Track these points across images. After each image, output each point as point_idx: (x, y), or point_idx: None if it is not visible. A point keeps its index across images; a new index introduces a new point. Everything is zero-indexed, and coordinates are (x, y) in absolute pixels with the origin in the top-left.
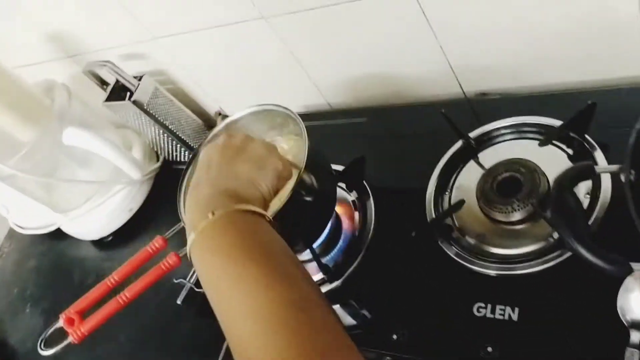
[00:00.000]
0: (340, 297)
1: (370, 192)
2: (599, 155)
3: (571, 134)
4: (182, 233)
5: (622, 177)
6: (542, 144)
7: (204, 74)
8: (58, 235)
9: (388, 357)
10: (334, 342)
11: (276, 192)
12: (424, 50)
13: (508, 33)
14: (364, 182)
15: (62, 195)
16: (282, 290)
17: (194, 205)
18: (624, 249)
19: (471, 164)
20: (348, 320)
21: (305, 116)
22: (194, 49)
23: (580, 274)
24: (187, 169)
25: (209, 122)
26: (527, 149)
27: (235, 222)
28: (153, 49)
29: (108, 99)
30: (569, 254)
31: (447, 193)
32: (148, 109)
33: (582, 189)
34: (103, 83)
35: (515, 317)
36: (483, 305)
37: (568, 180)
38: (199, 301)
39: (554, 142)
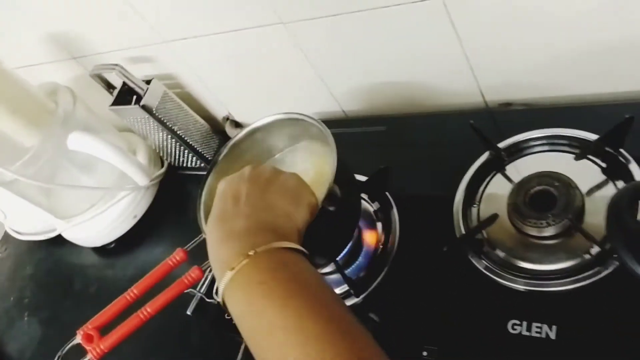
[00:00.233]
0: (366, 311)
1: (393, 202)
2: (634, 168)
3: (607, 148)
4: (202, 245)
5: None
6: (578, 157)
7: (215, 79)
8: (56, 241)
9: None
10: None
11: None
12: (449, 59)
13: (539, 45)
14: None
15: (64, 201)
16: (346, 346)
17: (226, 240)
18: None
19: (500, 175)
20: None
21: None
22: (205, 53)
23: (621, 292)
24: (207, 176)
25: (216, 127)
26: (557, 162)
27: (280, 262)
28: (162, 52)
29: (114, 103)
30: (607, 271)
31: (475, 205)
32: (157, 114)
33: None
34: (109, 86)
35: (553, 335)
36: (518, 322)
37: (626, 199)
38: (209, 312)
39: (589, 155)
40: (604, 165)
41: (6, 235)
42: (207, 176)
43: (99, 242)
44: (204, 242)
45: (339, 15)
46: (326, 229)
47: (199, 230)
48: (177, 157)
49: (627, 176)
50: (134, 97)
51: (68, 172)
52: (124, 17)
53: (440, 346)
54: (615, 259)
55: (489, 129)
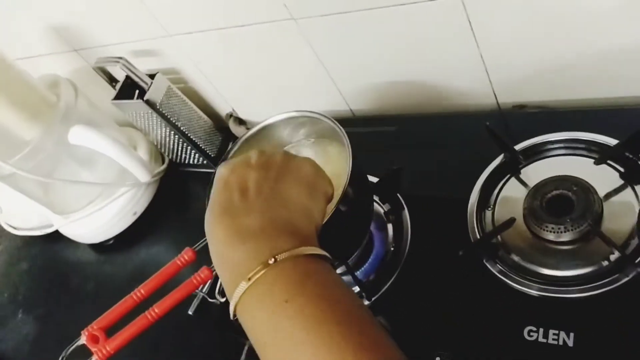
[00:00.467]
0: (377, 315)
1: (404, 204)
2: None
3: (627, 153)
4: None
5: None
6: (598, 162)
7: (220, 74)
8: (53, 237)
9: None
10: None
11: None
12: (464, 59)
13: (556, 46)
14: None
15: (62, 196)
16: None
17: (236, 240)
18: None
19: (514, 179)
20: None
21: None
22: (212, 48)
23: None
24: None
25: (219, 124)
26: (572, 166)
27: (306, 273)
28: (167, 46)
29: (116, 97)
30: (627, 278)
31: (490, 209)
32: (160, 109)
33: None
34: (112, 80)
35: (570, 343)
36: (534, 329)
37: None
38: (212, 312)
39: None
40: (622, 170)
41: (1, 230)
42: (215, 174)
43: (97, 239)
44: None
45: (352, 12)
46: (337, 230)
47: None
48: (178, 153)
49: None
50: (137, 91)
51: (68, 166)
52: (129, 9)
53: (454, 352)
54: (638, 264)
55: (501, 131)
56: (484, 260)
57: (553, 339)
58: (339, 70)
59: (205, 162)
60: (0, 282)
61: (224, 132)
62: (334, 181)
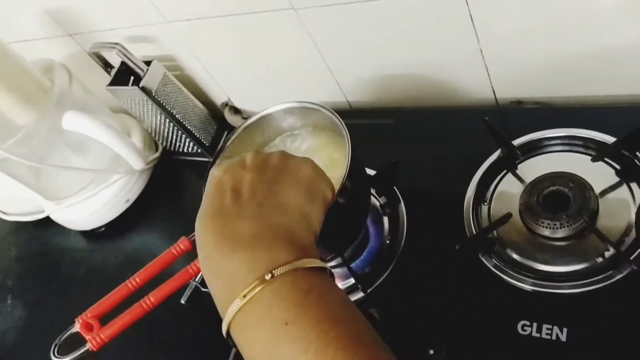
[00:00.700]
0: (371, 307)
1: (400, 197)
2: None
3: (623, 151)
4: None
5: None
6: (595, 159)
7: (217, 63)
8: (44, 223)
9: None
10: None
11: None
12: (464, 53)
13: (556, 43)
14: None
15: (55, 182)
16: None
17: (227, 248)
18: None
19: (511, 174)
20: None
21: None
22: (209, 35)
23: (635, 297)
24: (213, 163)
25: (214, 112)
26: (569, 162)
27: (306, 290)
28: (164, 33)
29: (111, 83)
30: (621, 275)
31: (486, 203)
32: (156, 96)
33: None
34: (107, 65)
35: (563, 337)
36: (528, 323)
37: None
38: (204, 301)
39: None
40: (618, 167)
41: None
42: (212, 164)
43: (89, 226)
44: None
45: (353, 3)
46: (335, 223)
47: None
48: (173, 141)
49: None
50: (132, 77)
51: (61, 152)
52: None
53: (448, 345)
54: (632, 261)
55: (499, 126)
56: (480, 255)
57: (546, 334)
58: (338, 61)
59: (199, 150)
60: None
61: (219, 121)
62: (332, 174)
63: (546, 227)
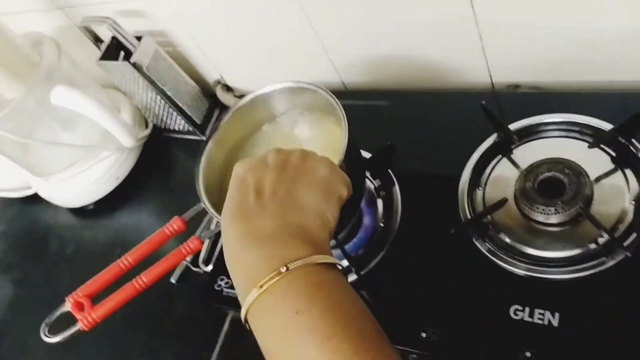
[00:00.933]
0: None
1: (395, 180)
2: None
3: (620, 138)
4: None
5: None
6: (591, 146)
7: (210, 39)
8: (32, 199)
9: (414, 355)
10: None
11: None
12: (462, 36)
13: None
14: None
15: (43, 158)
16: None
17: (248, 242)
18: None
19: (506, 159)
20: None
21: None
22: (202, 11)
23: (627, 283)
24: (206, 144)
25: (206, 90)
26: (565, 148)
27: (318, 283)
28: (155, 7)
29: (102, 58)
30: (613, 262)
31: (481, 188)
32: (147, 72)
33: (627, 196)
34: (97, 40)
35: (555, 322)
36: (520, 308)
37: None
38: (195, 281)
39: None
40: (613, 154)
41: None
42: (206, 144)
43: (77, 203)
44: (202, 212)
45: None
46: None
47: (186, 196)
48: (163, 118)
49: (637, 165)
50: (123, 53)
51: (49, 128)
52: None
53: (440, 328)
54: (626, 248)
55: (494, 110)
56: (474, 239)
57: (539, 319)
58: (333, 41)
59: (190, 128)
60: None
61: (210, 99)
62: (328, 154)
63: (541, 213)
